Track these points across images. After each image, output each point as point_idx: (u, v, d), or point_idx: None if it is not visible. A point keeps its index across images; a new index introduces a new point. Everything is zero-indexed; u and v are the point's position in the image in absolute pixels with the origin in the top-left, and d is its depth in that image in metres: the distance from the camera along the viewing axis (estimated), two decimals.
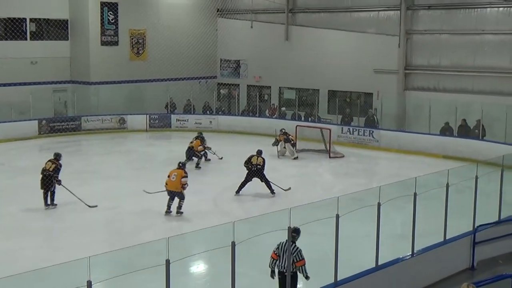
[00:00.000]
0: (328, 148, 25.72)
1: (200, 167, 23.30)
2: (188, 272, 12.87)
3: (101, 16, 31.86)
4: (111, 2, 32.13)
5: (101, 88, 32.01)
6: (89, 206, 17.80)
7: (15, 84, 30.51)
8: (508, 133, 24.25)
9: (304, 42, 33.30)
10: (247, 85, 35.60)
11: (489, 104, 25.78)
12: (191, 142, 23.81)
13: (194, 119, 31.69)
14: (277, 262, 10.46)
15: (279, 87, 34.47)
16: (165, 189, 17.37)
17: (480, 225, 13.57)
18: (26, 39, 30.90)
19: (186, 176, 17.47)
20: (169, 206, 17.25)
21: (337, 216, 10.39)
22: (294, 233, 10.31)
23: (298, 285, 10.71)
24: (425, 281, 12.35)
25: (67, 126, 30.22)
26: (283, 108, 32.55)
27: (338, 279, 10.62)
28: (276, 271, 10.56)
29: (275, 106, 33.02)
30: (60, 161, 18.09)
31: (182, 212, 17.22)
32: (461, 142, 25.45)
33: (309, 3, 33.72)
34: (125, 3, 32.46)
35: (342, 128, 28.54)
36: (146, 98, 32.47)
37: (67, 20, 32.09)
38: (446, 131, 26.59)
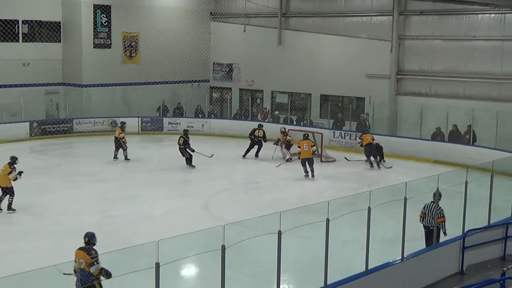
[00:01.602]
0: (320, 152, 25.79)
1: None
2: (178, 275, 12.89)
3: (94, 18, 31.87)
4: (104, 5, 32.14)
5: (93, 90, 32.01)
6: (209, 157, 24.38)
7: (6, 86, 30.48)
8: (498, 138, 24.37)
9: (297, 46, 33.40)
10: (240, 88, 35.66)
11: (480, 110, 25.92)
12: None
13: (186, 123, 31.68)
14: (424, 219, 13.49)
15: (272, 91, 34.54)
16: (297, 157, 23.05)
17: (470, 230, 13.66)
18: (18, 40, 30.84)
19: (315, 145, 23.55)
20: (305, 171, 22.55)
21: (328, 220, 10.43)
22: (439, 196, 13.27)
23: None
24: (415, 286, 12.40)
25: (58, 129, 30.17)
26: (277, 112, 32.61)
27: (328, 283, 10.66)
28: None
29: (267, 110, 33.10)
30: (187, 135, 24.09)
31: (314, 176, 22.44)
32: (452, 147, 25.57)
33: (302, 7, 33.83)
34: (118, 6, 32.47)
35: (334, 132, 28.63)
36: (138, 101, 32.49)
37: (60, 22, 32.08)
38: (437, 136, 26.71)
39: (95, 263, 10.04)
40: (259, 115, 33.09)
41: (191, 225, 16.04)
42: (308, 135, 23.85)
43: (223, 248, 9.04)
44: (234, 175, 23.12)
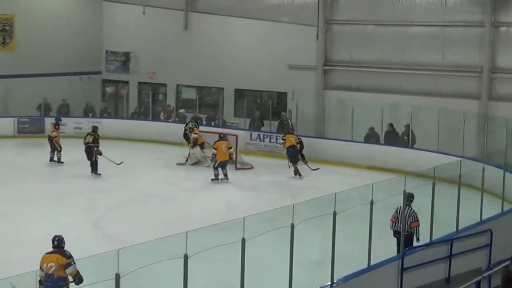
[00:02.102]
0: (234, 158, 25.75)
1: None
2: None
3: None
4: None
5: None
6: (117, 164, 24.06)
7: None
8: (440, 139, 24.93)
9: (207, 32, 33.31)
10: (139, 82, 35.25)
11: (420, 107, 26.44)
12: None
13: (74, 123, 30.99)
14: (396, 223, 14.63)
15: (177, 85, 34.33)
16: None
17: (409, 248, 13.86)
18: None
19: (232, 147, 24.15)
20: (216, 175, 23.33)
21: (243, 240, 10.37)
22: (411, 197, 14.39)
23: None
24: None
25: None
26: (182, 110, 32.37)
27: None
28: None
29: (172, 108, 32.84)
30: (97, 133, 24.49)
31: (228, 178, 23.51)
32: (388, 150, 26.03)
33: None
34: None
35: (251, 134, 28.65)
36: (15, 98, 31.61)
37: None
38: (371, 137, 27.12)
39: (72, 263, 11.10)
40: (161, 113, 32.80)
41: (79, 248, 15.63)
42: (224, 136, 24.54)
43: (117, 277, 8.86)
44: (133, 186, 22.81)
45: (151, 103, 33.15)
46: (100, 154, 23.89)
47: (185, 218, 18.69)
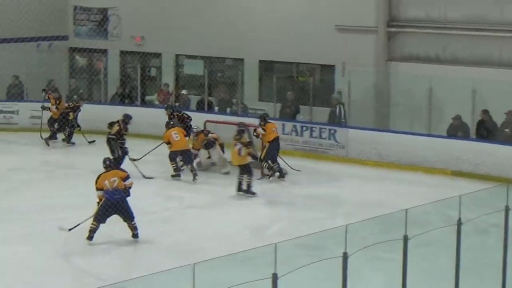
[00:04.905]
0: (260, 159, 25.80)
1: None
2: None
3: None
4: None
5: None
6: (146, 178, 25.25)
7: None
8: None
9: None
10: (121, 51, 35.42)
11: None
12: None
13: (29, 110, 31.20)
14: None
15: (176, 55, 34.52)
16: None
17: None
18: None
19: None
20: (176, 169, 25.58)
21: (275, 277, 10.33)
22: None
23: None
24: None
25: None
26: (184, 92, 32.40)
27: None
28: None
29: (169, 88, 32.87)
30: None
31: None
32: (482, 148, 26.00)
33: None
34: None
35: (283, 125, 28.62)
36: None
37: None
38: (457, 130, 27.01)
39: (129, 175, 18.74)
40: (155, 96, 32.84)
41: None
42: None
43: None
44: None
45: (140, 80, 33.24)
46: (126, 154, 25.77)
47: (189, 244, 18.75)
